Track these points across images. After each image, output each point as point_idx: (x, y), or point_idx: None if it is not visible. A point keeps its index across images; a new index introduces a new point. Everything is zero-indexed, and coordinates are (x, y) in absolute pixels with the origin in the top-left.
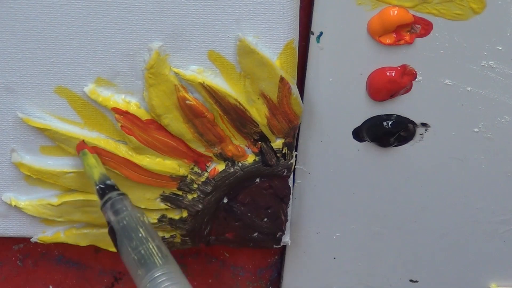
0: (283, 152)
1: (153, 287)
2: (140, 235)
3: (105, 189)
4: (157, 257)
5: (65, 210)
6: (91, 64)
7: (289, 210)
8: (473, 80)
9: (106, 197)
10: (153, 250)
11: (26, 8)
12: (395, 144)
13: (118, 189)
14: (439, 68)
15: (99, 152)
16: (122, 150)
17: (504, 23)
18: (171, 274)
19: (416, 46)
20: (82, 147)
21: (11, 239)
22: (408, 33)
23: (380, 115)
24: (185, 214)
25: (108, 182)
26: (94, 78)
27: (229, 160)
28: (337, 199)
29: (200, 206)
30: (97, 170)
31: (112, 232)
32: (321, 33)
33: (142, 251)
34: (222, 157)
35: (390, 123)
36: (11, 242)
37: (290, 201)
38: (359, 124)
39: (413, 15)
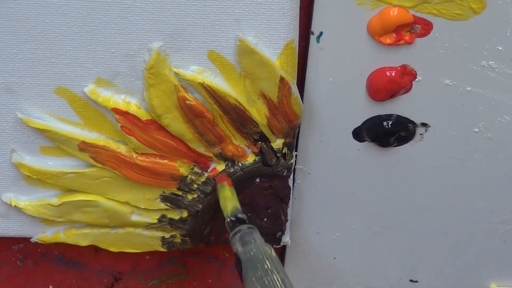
0: (283, 152)
1: None
2: (266, 266)
3: (236, 222)
4: None
5: (65, 210)
6: (91, 65)
7: (289, 210)
8: (473, 80)
9: (236, 229)
10: (276, 282)
11: (26, 8)
12: (395, 144)
13: (248, 223)
14: (439, 68)
15: (99, 152)
16: (122, 151)
17: (504, 23)
18: None
19: (416, 46)
20: (222, 179)
21: (11, 239)
22: (408, 33)
23: (380, 115)
24: (185, 214)
25: (239, 215)
26: (94, 79)
27: (229, 160)
28: (337, 199)
29: (200, 206)
30: (231, 203)
31: (238, 263)
32: (321, 33)
33: (266, 282)
34: (222, 157)
35: (390, 123)
36: (11, 242)
37: (290, 201)
38: (359, 124)
39: (413, 15)
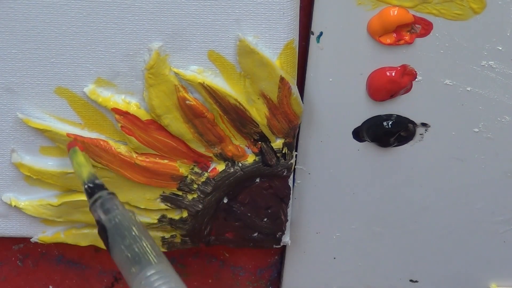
0: (283, 152)
1: (147, 284)
2: (133, 233)
3: (94, 188)
4: (152, 256)
5: (65, 211)
6: (91, 65)
7: (289, 210)
8: (473, 80)
9: (95, 196)
10: (147, 248)
11: (26, 8)
12: (395, 144)
13: (106, 189)
14: (439, 68)
15: (98, 153)
16: (122, 151)
17: (504, 23)
18: (165, 272)
19: (416, 46)
20: (73, 145)
21: (11, 239)
22: (408, 33)
23: (380, 115)
24: (185, 214)
25: (97, 181)
26: (94, 79)
27: (229, 160)
28: (337, 199)
29: (200, 206)
30: (86, 169)
31: (103, 231)
32: (321, 33)
33: (136, 249)
34: (222, 157)
35: (390, 123)
36: (11, 242)
37: (290, 201)
38: (359, 124)
39: (413, 15)
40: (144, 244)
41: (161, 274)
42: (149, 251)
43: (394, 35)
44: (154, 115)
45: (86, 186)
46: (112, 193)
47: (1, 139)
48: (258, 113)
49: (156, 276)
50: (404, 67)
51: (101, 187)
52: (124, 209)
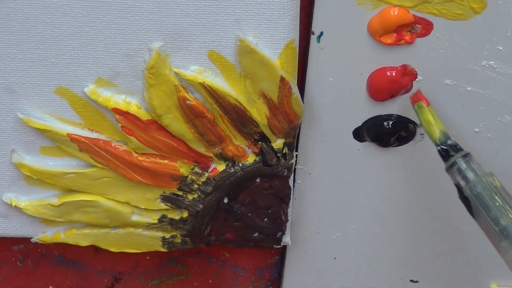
0: (284, 152)
1: None
2: (497, 204)
3: (448, 151)
4: None
5: (65, 211)
6: (91, 65)
7: (290, 210)
8: (474, 80)
9: (451, 160)
10: None
11: (26, 8)
12: (395, 144)
13: (461, 149)
14: (439, 68)
15: (98, 153)
16: (122, 151)
17: (504, 23)
18: None
19: (416, 46)
20: (417, 98)
21: (11, 239)
22: (409, 33)
23: (380, 115)
24: (185, 214)
25: (449, 141)
26: (94, 79)
27: (230, 160)
28: (337, 199)
29: (200, 206)
30: (435, 128)
31: (463, 198)
32: (321, 33)
33: (503, 222)
34: (222, 157)
35: (391, 123)
36: (11, 242)
37: (291, 201)
38: (360, 124)
39: (414, 15)
40: (511, 216)
41: None
42: None
43: (395, 35)
44: (154, 115)
45: (439, 148)
46: (467, 154)
47: (1, 139)
48: (259, 113)
49: None
50: (404, 67)
51: (454, 147)
52: (485, 175)
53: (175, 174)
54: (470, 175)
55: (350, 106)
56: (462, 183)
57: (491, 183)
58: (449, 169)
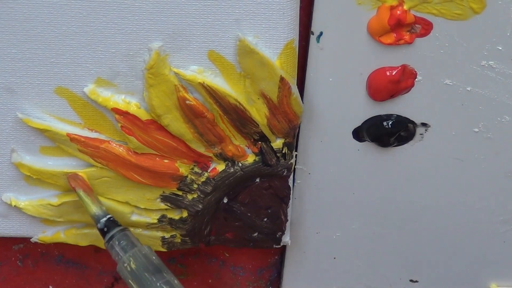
0: (283, 152)
1: None
2: (149, 280)
3: (103, 229)
4: None
5: (65, 210)
6: (91, 65)
7: (289, 210)
8: (473, 80)
9: (106, 238)
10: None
11: (26, 8)
12: (395, 144)
13: (115, 226)
14: (439, 68)
15: (98, 153)
16: (122, 151)
17: (504, 23)
18: None
19: (416, 46)
20: (72, 185)
21: (11, 239)
22: (408, 33)
23: (380, 115)
24: (185, 214)
25: (102, 220)
26: (94, 79)
27: (229, 160)
28: (337, 199)
29: (200, 206)
30: (89, 209)
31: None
32: (321, 33)
33: None
34: (222, 157)
35: (390, 123)
36: (11, 242)
37: (290, 201)
38: (359, 124)
39: (414, 15)
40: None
41: None
42: None
43: (394, 35)
44: (154, 115)
45: (97, 227)
46: (122, 229)
47: (1, 139)
48: (258, 113)
49: None
50: (404, 67)
51: (109, 223)
52: (134, 251)
53: (175, 174)
54: (123, 249)
55: (350, 106)
56: (117, 258)
57: (126, 268)
58: (107, 243)
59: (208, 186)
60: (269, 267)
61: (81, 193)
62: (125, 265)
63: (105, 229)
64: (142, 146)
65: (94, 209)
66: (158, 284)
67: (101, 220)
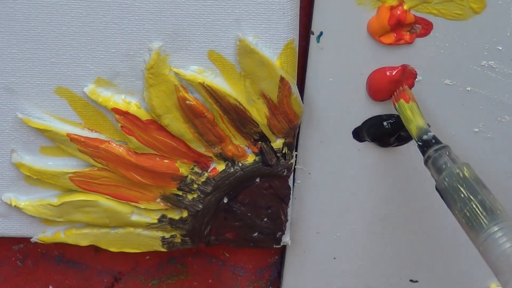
0: (283, 152)
1: (487, 251)
2: (462, 195)
3: (423, 147)
4: (481, 218)
5: (65, 210)
6: (91, 65)
7: (289, 210)
8: (473, 80)
9: (425, 156)
10: (477, 210)
11: (26, 8)
12: (395, 144)
13: (436, 143)
14: (439, 68)
15: (98, 153)
16: (122, 151)
17: (504, 23)
18: (504, 230)
19: (416, 46)
20: (398, 97)
21: (11, 239)
22: (408, 33)
23: (380, 115)
24: (185, 214)
25: (425, 137)
26: (94, 79)
27: (229, 160)
28: (337, 199)
29: (200, 206)
30: (413, 124)
31: (439, 193)
32: (321, 33)
33: (467, 213)
34: (222, 157)
35: (390, 123)
36: (11, 242)
37: (290, 201)
38: (359, 124)
39: (414, 15)
40: (474, 206)
41: (498, 233)
42: (479, 213)
43: (394, 35)
44: (154, 115)
45: (416, 145)
46: (441, 147)
47: (1, 139)
48: (258, 113)
49: (493, 238)
50: (404, 67)
51: (429, 142)
52: (452, 166)
53: (175, 174)
54: (440, 167)
55: (350, 106)
56: (436, 176)
57: (458, 175)
58: (425, 163)
59: (208, 186)
60: (269, 267)
61: (415, 105)
62: (457, 171)
63: (433, 141)
64: (142, 146)
65: (423, 122)
66: (491, 196)
67: (429, 133)
